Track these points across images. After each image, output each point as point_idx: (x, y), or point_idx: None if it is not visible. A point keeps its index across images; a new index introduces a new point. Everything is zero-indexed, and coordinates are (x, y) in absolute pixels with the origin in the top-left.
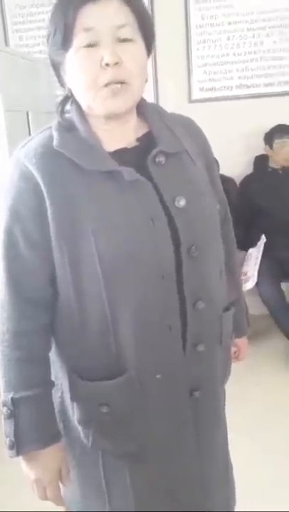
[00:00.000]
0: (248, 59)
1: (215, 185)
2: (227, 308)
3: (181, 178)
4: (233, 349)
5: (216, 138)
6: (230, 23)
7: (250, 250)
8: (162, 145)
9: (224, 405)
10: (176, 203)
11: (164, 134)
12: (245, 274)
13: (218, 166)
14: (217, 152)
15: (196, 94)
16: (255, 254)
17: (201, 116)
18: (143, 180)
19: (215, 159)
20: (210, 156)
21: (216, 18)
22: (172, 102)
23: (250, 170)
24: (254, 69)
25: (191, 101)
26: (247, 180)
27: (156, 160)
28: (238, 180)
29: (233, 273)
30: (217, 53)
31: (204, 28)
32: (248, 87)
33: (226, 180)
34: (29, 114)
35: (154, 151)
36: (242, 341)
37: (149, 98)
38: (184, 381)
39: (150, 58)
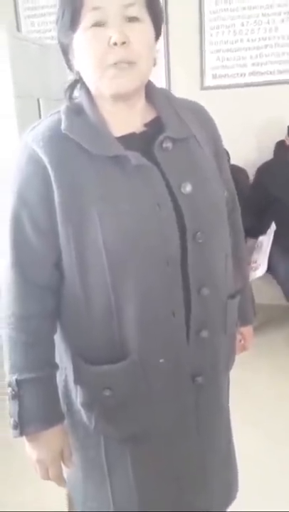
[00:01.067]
0: (262, 45)
1: (223, 173)
2: (232, 296)
3: (188, 164)
4: (238, 337)
5: (228, 126)
6: (244, 9)
7: (261, 238)
8: (170, 131)
9: (228, 392)
10: (182, 189)
11: (173, 120)
12: (255, 261)
13: (228, 156)
14: (229, 140)
15: (209, 81)
16: (265, 242)
17: (214, 104)
18: (149, 165)
19: (225, 150)
20: (219, 144)
21: (230, 3)
22: (184, 89)
23: (263, 158)
24: (268, 55)
25: (203, 88)
26: (265, 168)
27: (163, 145)
28: (250, 169)
29: (239, 261)
30: (231, 39)
31: (218, 13)
32: (262, 73)
33: (237, 171)
34: (40, 100)
35: (160, 137)
36: (247, 330)
37: (161, 84)
38: (186, 366)
39: (162, 44)
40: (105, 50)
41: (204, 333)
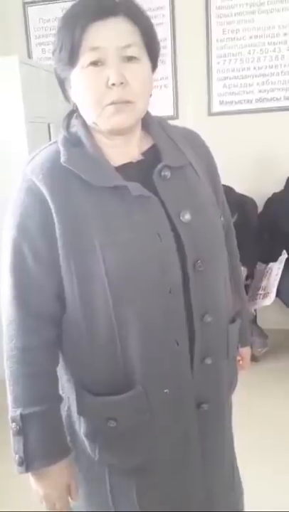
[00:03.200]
0: (269, 73)
1: (219, 199)
2: (233, 320)
3: (186, 192)
4: (237, 358)
5: (235, 151)
6: (251, 37)
7: (271, 264)
8: (167, 159)
9: (230, 416)
10: (181, 217)
11: (169, 148)
12: (264, 289)
13: (255, 206)
14: (236, 166)
15: (216, 107)
16: (275, 271)
17: (220, 129)
18: (149, 195)
19: (252, 200)
20: (213, 169)
21: (236, 33)
22: (192, 115)
23: (269, 185)
24: (274, 82)
25: (210, 114)
26: (275, 199)
27: (162, 174)
28: (256, 196)
29: (236, 283)
30: (237, 67)
31: (225, 42)
32: (269, 100)
33: (245, 201)
34: (50, 126)
35: (159, 166)
36: (245, 350)
37: (169, 111)
38: (191, 395)
39: (170, 71)
40: (103, 90)
41: (208, 360)
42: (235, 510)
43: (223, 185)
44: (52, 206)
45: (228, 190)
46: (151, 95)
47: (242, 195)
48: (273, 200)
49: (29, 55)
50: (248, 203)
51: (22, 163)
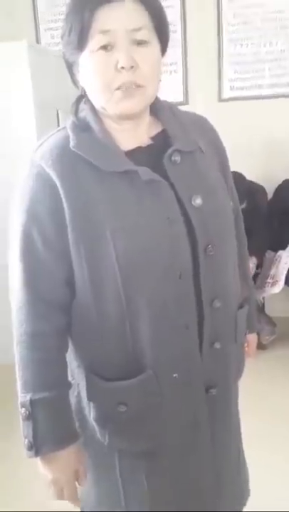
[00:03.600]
0: (281, 57)
1: (227, 182)
2: (241, 306)
3: (197, 177)
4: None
5: (245, 138)
6: (262, 21)
7: (280, 252)
8: (177, 143)
9: (237, 401)
10: (192, 202)
11: (178, 133)
12: (272, 277)
13: (265, 193)
14: (247, 153)
15: (227, 93)
16: (284, 259)
17: (231, 116)
18: (159, 179)
19: (262, 187)
20: (222, 153)
21: (248, 16)
22: (202, 100)
23: (281, 172)
24: (286, 67)
25: (221, 100)
26: (284, 186)
27: (172, 159)
28: (267, 182)
29: (244, 269)
30: (249, 51)
31: (236, 26)
32: (280, 85)
33: (255, 189)
34: (59, 112)
35: (169, 150)
36: (252, 337)
37: (179, 97)
38: (200, 379)
39: (180, 56)
40: (113, 74)
41: (217, 345)
42: (240, 495)
43: (233, 172)
44: (61, 191)
45: (238, 177)
46: (160, 80)
47: (252, 183)
48: (284, 188)
49: (38, 41)
50: (258, 190)
51: (31, 149)
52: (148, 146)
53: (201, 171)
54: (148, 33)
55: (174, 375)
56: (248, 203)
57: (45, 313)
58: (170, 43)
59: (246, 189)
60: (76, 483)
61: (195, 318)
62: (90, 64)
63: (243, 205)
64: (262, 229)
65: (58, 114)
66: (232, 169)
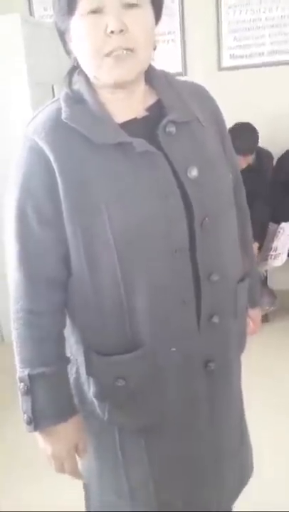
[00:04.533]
0: (282, 23)
1: (227, 154)
2: (241, 280)
3: (193, 148)
4: (247, 320)
5: (246, 107)
6: None
7: (283, 224)
8: (172, 114)
9: (240, 377)
10: (188, 174)
11: (174, 103)
12: (275, 250)
13: (271, 158)
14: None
15: (226, 62)
16: (287, 231)
17: (232, 85)
18: (154, 151)
19: (268, 152)
20: (221, 123)
21: None
22: (201, 70)
23: (283, 141)
24: (287, 34)
25: (220, 69)
26: (286, 157)
27: (167, 130)
28: (271, 151)
29: (246, 243)
30: (248, 18)
31: None
32: (281, 52)
33: (262, 153)
34: (54, 86)
35: (164, 121)
36: (255, 312)
37: (177, 66)
38: (198, 353)
39: (178, 24)
40: (102, 38)
41: (215, 319)
42: (243, 471)
43: (244, 124)
44: (55, 165)
45: (251, 129)
46: (155, 48)
47: (259, 148)
48: (286, 158)
49: (31, 13)
50: (264, 153)
51: (25, 124)
52: (143, 118)
53: (197, 142)
54: None
55: (172, 349)
56: (256, 161)
57: (41, 290)
58: (167, 12)
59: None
60: (77, 456)
61: (192, 293)
62: (79, 29)
63: (250, 160)
64: (265, 196)
65: (53, 89)
66: None
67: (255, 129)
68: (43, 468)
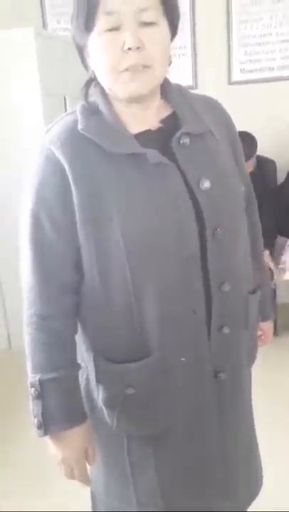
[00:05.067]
0: None
1: (240, 167)
2: (253, 291)
3: (206, 160)
4: (258, 333)
5: (257, 121)
6: (273, 2)
7: None
8: (186, 126)
9: (250, 388)
10: (200, 185)
11: (188, 115)
12: (284, 263)
13: (274, 166)
14: (258, 136)
15: (237, 76)
16: None
17: (242, 99)
18: (167, 162)
19: (271, 160)
20: (234, 137)
21: None
22: (212, 84)
23: None
24: None
25: (231, 83)
26: None
27: (181, 141)
28: (279, 169)
29: (257, 256)
30: (259, 33)
31: (246, 7)
32: None
33: (265, 162)
34: (66, 98)
35: (178, 133)
36: (267, 325)
37: (188, 80)
38: (208, 364)
39: (189, 39)
40: (119, 55)
41: (226, 330)
42: (252, 484)
43: (242, 132)
44: (70, 175)
45: (247, 136)
46: (170, 63)
47: (262, 157)
48: None
49: (44, 26)
50: (266, 162)
51: (38, 136)
52: (157, 129)
53: (210, 154)
54: (155, 14)
55: (182, 359)
56: (257, 168)
57: (54, 295)
58: (179, 26)
59: (256, 154)
60: (86, 462)
61: (202, 302)
62: (97, 46)
63: (251, 167)
64: (270, 204)
65: (65, 101)
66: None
67: (253, 136)
68: (51, 484)
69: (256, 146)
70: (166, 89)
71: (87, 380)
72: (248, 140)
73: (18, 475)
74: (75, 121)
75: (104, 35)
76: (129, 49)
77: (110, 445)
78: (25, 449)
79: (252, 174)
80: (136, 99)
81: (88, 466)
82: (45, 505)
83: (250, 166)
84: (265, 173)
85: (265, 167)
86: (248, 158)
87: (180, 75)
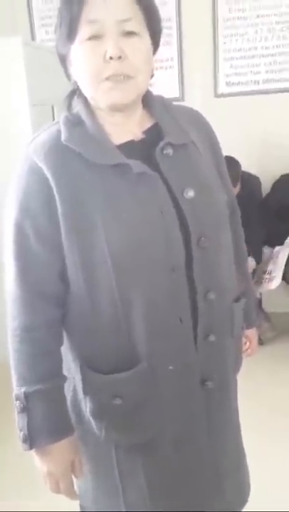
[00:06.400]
0: (276, 52)
1: (223, 177)
2: (237, 299)
3: (189, 170)
4: (243, 340)
5: (242, 133)
6: (258, 16)
7: (277, 248)
8: (169, 137)
9: (236, 395)
10: (184, 195)
11: (171, 126)
12: (270, 273)
13: (259, 182)
14: (243, 148)
15: (223, 89)
16: (281, 254)
17: (228, 111)
18: (151, 172)
19: (255, 176)
20: (217, 148)
21: (243, 12)
22: (198, 97)
23: (277, 167)
24: (282, 62)
25: (217, 95)
26: (281, 181)
27: (164, 152)
28: (263, 177)
29: (241, 264)
30: (244, 47)
31: (231, 21)
32: (276, 81)
33: (249, 178)
34: (54, 108)
35: (161, 143)
36: (251, 332)
37: (175, 92)
38: (196, 372)
39: (176, 51)
40: (101, 64)
41: (212, 338)
42: (241, 491)
43: (227, 156)
44: (53, 185)
45: (231, 161)
46: (152, 76)
47: (245, 172)
48: (280, 183)
49: (32, 37)
50: (251, 178)
51: (25, 145)
52: (141, 140)
53: (194, 164)
54: (137, 25)
55: (170, 368)
56: (241, 188)
57: (39, 307)
58: (165, 39)
59: (240, 175)
60: (72, 476)
61: (188, 311)
62: (79, 54)
63: (237, 189)
64: (257, 218)
65: (53, 110)
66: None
67: (237, 161)
68: (42, 487)
69: (240, 169)
70: (148, 100)
71: (75, 391)
72: (233, 165)
73: (14, 476)
74: (59, 132)
75: (86, 44)
76: (111, 58)
77: (99, 456)
78: (20, 450)
79: (238, 195)
80: (117, 108)
81: (76, 479)
82: (40, 506)
83: (236, 189)
84: (250, 191)
85: (249, 184)
86: (236, 181)
87: (167, 88)
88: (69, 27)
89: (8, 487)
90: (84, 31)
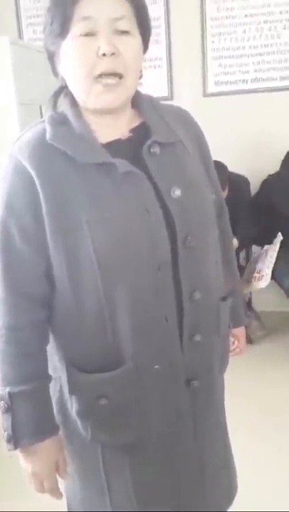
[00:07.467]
0: (264, 52)
1: (210, 176)
2: (224, 299)
3: (176, 169)
4: (232, 339)
5: (230, 132)
6: (246, 16)
7: (266, 247)
8: (156, 135)
9: (223, 394)
10: (171, 194)
11: (159, 125)
12: (259, 272)
13: (248, 183)
14: (231, 147)
15: (211, 88)
16: (270, 253)
17: (216, 110)
18: (137, 171)
19: (244, 177)
20: (205, 148)
21: (231, 11)
22: (187, 96)
23: (265, 166)
24: (270, 62)
25: (205, 95)
26: (271, 181)
27: (151, 150)
28: (252, 177)
29: (229, 264)
30: (233, 46)
31: (220, 20)
32: (264, 80)
33: (238, 179)
34: (42, 107)
35: (148, 142)
36: (239, 331)
37: (163, 91)
38: (181, 371)
39: (164, 51)
40: (94, 60)
41: (198, 337)
42: (228, 490)
43: (215, 161)
44: (38, 184)
45: (220, 166)
46: (141, 76)
47: (233, 173)
48: (269, 182)
49: (20, 36)
50: (240, 180)
51: (12, 143)
52: (128, 139)
53: (181, 163)
54: (130, 24)
55: (155, 367)
56: (230, 190)
57: (24, 307)
58: (154, 38)
59: (229, 178)
60: (57, 475)
61: (174, 310)
62: (71, 50)
63: (225, 193)
64: (246, 219)
65: (41, 109)
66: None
67: (225, 165)
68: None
69: (227, 173)
70: (136, 99)
71: (61, 391)
72: (221, 169)
73: (13, 476)
74: (44, 131)
75: (79, 40)
76: (104, 55)
77: (85, 456)
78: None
79: (227, 197)
80: (108, 111)
81: (63, 479)
82: (40, 507)
83: (224, 193)
84: (239, 192)
85: (239, 186)
86: (221, 185)
87: (156, 87)
88: (62, 23)
89: (8, 487)
90: (77, 28)
